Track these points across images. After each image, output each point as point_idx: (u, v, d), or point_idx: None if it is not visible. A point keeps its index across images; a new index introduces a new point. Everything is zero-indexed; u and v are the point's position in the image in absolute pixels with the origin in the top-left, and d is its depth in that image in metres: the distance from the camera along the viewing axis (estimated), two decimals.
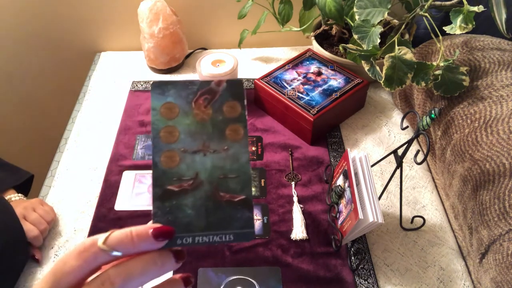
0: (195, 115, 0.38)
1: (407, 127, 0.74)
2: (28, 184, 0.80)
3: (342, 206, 0.66)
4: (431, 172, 0.81)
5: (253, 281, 0.64)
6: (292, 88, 0.86)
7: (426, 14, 0.71)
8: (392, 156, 0.66)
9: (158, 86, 0.37)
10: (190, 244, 0.35)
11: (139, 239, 0.32)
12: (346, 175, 0.65)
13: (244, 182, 0.37)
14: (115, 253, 0.32)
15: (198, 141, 0.37)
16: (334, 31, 0.98)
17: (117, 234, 0.32)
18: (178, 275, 0.35)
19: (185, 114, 0.37)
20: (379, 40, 0.71)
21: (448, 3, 0.72)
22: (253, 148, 0.85)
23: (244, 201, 0.36)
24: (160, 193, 0.36)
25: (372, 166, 0.68)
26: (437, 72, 0.71)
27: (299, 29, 0.96)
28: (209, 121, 0.38)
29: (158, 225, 0.34)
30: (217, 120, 0.38)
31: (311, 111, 0.81)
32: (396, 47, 0.70)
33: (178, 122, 0.37)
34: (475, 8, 0.65)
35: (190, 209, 0.36)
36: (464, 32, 0.66)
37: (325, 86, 0.86)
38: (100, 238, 0.32)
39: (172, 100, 0.38)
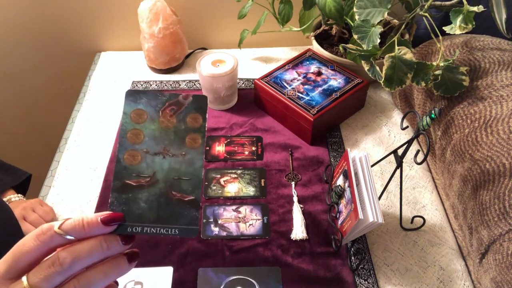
0: (160, 122, 0.42)
1: (407, 127, 0.74)
2: (26, 184, 0.80)
3: (342, 206, 0.66)
4: (431, 172, 0.81)
5: (253, 281, 0.64)
6: (292, 88, 0.86)
7: (426, 14, 0.71)
8: (392, 156, 0.66)
9: (132, 94, 0.42)
10: (139, 233, 0.39)
11: (89, 226, 0.36)
12: (346, 175, 0.65)
13: (195, 184, 0.41)
14: (69, 237, 0.36)
15: (160, 145, 0.42)
16: (334, 31, 0.98)
17: (71, 221, 0.37)
18: (123, 252, 0.39)
19: (152, 120, 0.42)
20: (379, 40, 0.71)
21: (448, 3, 0.72)
22: (253, 148, 0.85)
23: (192, 202, 0.40)
24: (118, 185, 0.40)
25: (372, 166, 0.68)
26: (437, 72, 0.71)
27: (299, 29, 0.96)
28: (172, 129, 0.42)
29: (108, 212, 0.38)
30: (179, 128, 0.42)
31: (311, 111, 0.81)
32: (396, 47, 0.70)
33: (145, 127, 0.42)
34: (475, 8, 0.65)
35: (144, 203, 0.40)
36: (464, 32, 0.66)
37: (325, 86, 0.86)
38: (56, 223, 0.36)
39: (142, 107, 0.42)
